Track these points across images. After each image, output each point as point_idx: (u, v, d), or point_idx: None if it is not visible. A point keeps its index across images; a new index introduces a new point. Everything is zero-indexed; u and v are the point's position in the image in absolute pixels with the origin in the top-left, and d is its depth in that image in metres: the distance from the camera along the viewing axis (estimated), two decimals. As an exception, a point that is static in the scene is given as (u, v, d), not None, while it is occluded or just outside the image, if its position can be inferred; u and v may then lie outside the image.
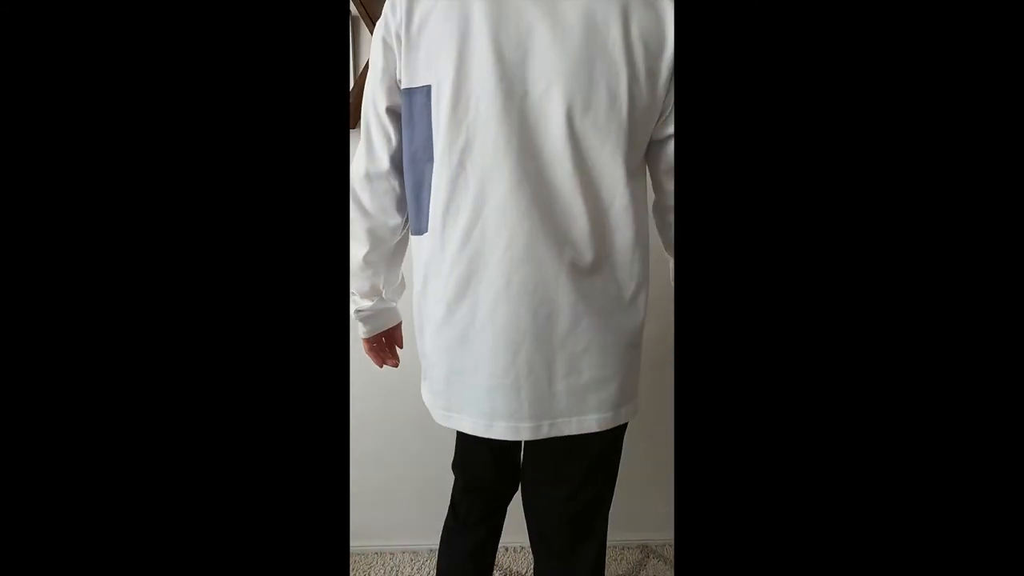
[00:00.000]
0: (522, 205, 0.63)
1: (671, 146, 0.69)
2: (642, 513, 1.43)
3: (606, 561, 1.38)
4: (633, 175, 0.67)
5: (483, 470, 0.87)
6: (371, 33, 1.13)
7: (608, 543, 1.43)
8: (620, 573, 1.38)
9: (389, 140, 0.71)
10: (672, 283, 0.75)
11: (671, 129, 0.68)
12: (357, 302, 0.83)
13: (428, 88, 0.64)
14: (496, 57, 0.61)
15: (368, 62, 1.18)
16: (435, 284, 0.69)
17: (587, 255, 0.66)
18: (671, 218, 0.73)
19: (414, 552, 1.41)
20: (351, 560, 1.42)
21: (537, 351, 0.67)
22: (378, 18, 1.13)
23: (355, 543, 1.42)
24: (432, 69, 0.64)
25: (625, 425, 0.79)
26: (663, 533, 1.46)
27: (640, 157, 0.69)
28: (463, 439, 0.86)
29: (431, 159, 0.66)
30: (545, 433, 0.69)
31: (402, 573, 1.37)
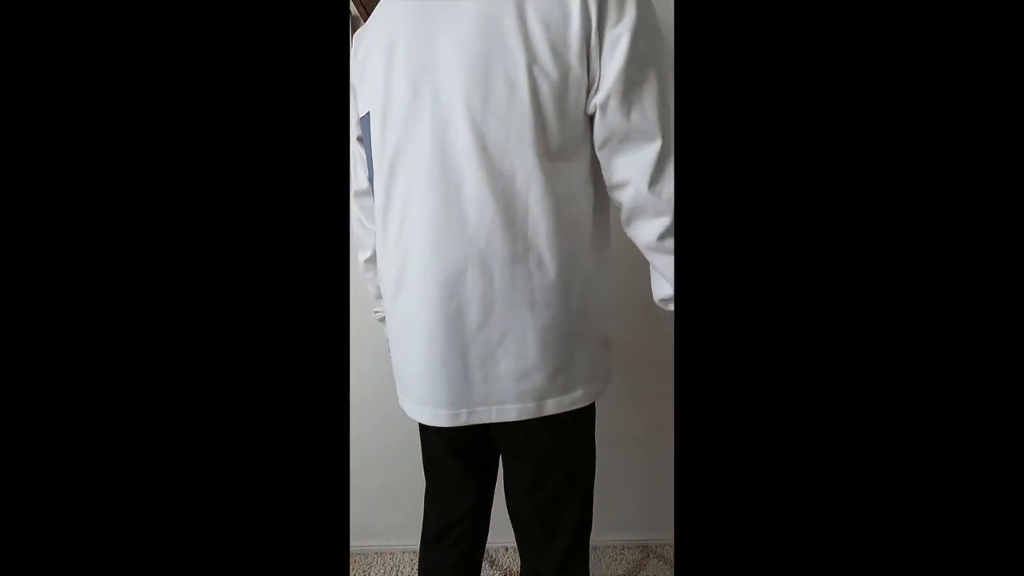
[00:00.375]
0: (432, 203, 0.68)
1: (596, 119, 0.65)
2: (642, 513, 1.44)
3: (607, 561, 1.39)
4: (553, 158, 0.65)
5: (444, 463, 0.88)
6: (371, 33, 1.13)
7: (608, 543, 1.44)
8: (620, 573, 1.38)
9: (363, 162, 0.84)
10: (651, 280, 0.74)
11: (595, 99, 0.64)
12: (375, 304, 0.98)
13: (369, 114, 0.74)
14: (409, 72, 0.68)
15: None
16: (383, 280, 0.78)
17: (499, 246, 0.66)
18: (617, 195, 0.68)
19: (414, 552, 1.41)
20: (351, 560, 1.42)
21: (450, 342, 0.70)
22: (378, 18, 1.13)
23: (355, 543, 1.42)
24: (370, 97, 0.74)
25: (582, 427, 0.78)
26: (663, 533, 1.46)
27: (565, 138, 0.66)
28: (421, 431, 0.89)
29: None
30: (463, 420, 0.73)
31: (402, 573, 1.37)
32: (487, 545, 0.97)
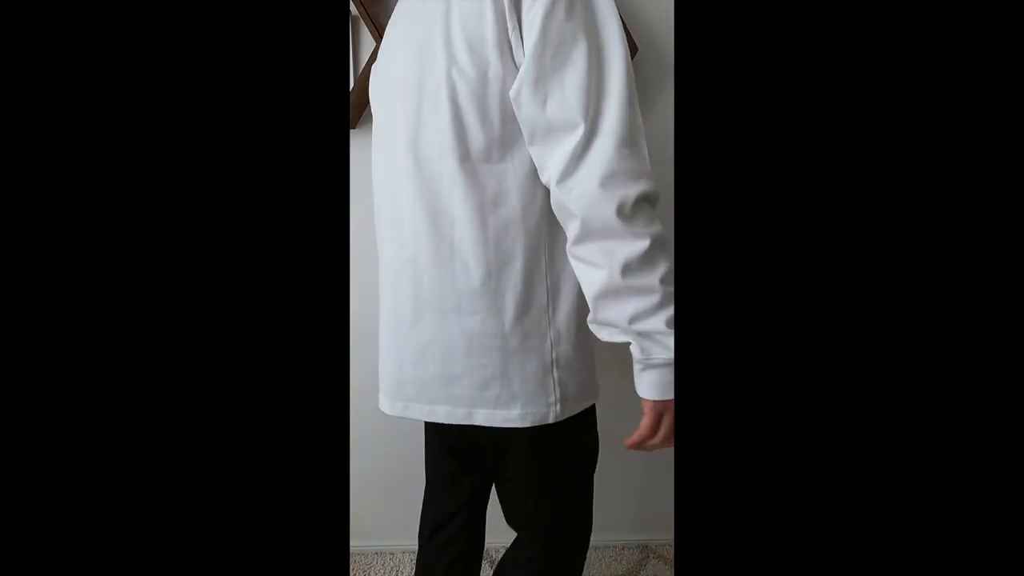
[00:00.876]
0: (387, 210, 0.73)
1: (516, 114, 0.61)
2: (642, 513, 1.43)
3: (606, 561, 1.39)
4: (478, 160, 0.63)
5: (440, 458, 0.90)
6: (371, 33, 1.13)
7: (608, 543, 1.44)
8: (620, 573, 1.38)
9: None
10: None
11: (511, 93, 0.60)
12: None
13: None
14: (383, 92, 0.74)
15: (367, 62, 1.18)
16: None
17: (427, 251, 0.67)
18: (552, 192, 0.62)
19: (414, 552, 1.41)
20: (351, 560, 1.42)
21: (393, 340, 0.74)
22: (378, 18, 1.13)
23: (355, 543, 1.42)
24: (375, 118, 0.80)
25: (544, 445, 0.72)
26: (663, 533, 1.46)
27: (489, 138, 0.63)
28: (424, 426, 0.90)
29: None
30: (399, 412, 0.74)
31: (402, 573, 1.37)
32: (488, 545, 0.97)
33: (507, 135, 0.63)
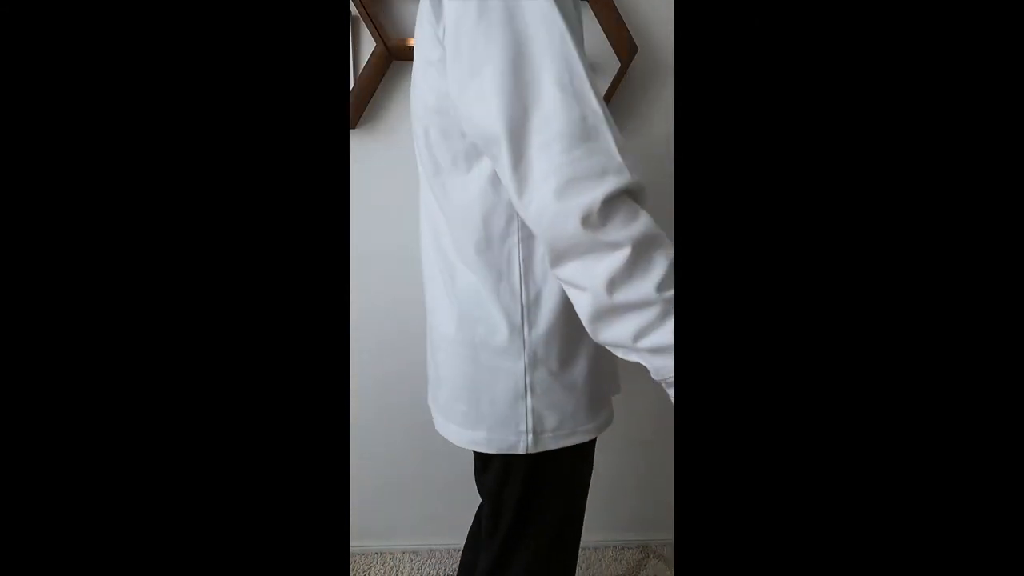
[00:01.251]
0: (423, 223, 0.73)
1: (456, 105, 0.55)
2: (642, 513, 1.44)
3: (607, 561, 1.39)
4: (449, 172, 0.61)
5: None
6: (371, 33, 1.13)
7: (608, 543, 1.44)
8: (620, 573, 1.38)
9: None
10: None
11: (452, 111, 0.56)
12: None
13: None
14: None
15: (367, 62, 1.18)
16: None
17: (434, 259, 0.67)
18: (518, 211, 0.54)
19: (414, 552, 1.41)
20: (351, 560, 1.42)
21: (429, 353, 0.73)
22: (378, 18, 1.13)
23: (355, 543, 1.42)
24: None
25: (520, 475, 0.66)
26: (663, 533, 1.46)
27: (454, 151, 0.60)
28: None
29: None
30: (437, 424, 0.71)
31: (402, 573, 1.37)
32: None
33: (471, 146, 0.59)
